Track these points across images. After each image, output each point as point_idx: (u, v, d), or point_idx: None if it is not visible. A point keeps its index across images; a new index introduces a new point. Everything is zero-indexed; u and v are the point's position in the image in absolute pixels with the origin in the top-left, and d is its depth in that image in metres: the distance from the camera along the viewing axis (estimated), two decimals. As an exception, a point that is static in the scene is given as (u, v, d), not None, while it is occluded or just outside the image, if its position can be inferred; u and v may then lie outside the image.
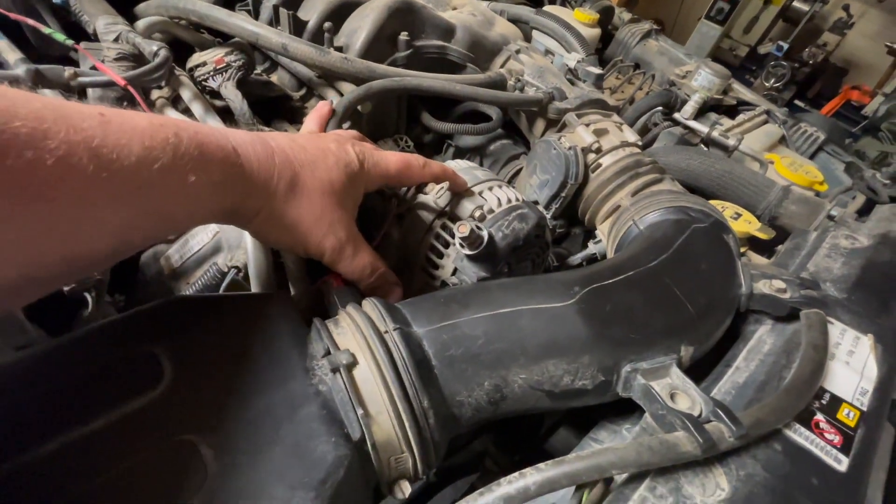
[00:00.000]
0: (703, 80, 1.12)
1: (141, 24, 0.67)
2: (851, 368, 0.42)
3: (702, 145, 0.97)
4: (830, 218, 0.75)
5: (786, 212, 0.79)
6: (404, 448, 0.32)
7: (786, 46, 3.06)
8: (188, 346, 0.31)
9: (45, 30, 0.54)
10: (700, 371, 0.46)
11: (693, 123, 0.95)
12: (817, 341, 0.41)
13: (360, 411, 0.30)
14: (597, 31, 1.25)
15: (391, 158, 0.45)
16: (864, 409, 0.39)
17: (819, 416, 0.37)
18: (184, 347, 0.30)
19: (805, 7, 3.11)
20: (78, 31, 0.67)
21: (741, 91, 1.22)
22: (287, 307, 0.35)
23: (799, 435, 0.36)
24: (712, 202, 0.73)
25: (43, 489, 0.24)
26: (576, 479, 0.31)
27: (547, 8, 1.18)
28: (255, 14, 0.83)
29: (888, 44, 3.23)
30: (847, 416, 0.38)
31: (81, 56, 0.58)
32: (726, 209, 0.76)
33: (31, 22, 0.55)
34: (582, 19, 1.18)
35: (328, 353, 0.32)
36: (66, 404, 0.27)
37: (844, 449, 0.36)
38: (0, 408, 0.26)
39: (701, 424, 0.32)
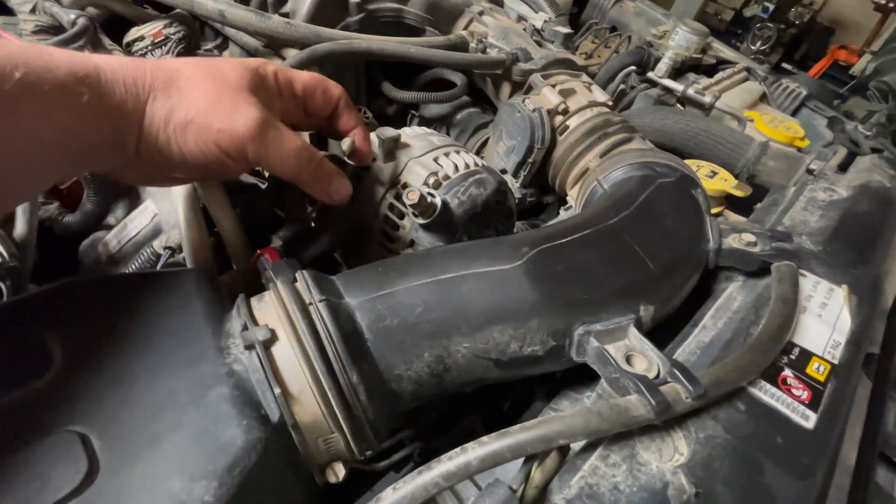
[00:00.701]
0: (680, 39, 1.08)
1: (68, -7, 0.62)
2: (823, 321, 0.40)
3: (678, 105, 0.93)
4: (810, 172, 0.72)
5: (764, 168, 0.76)
6: (333, 428, 0.29)
7: (771, 7, 2.99)
8: (82, 330, 0.28)
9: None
10: (669, 333, 0.43)
11: (668, 82, 0.91)
12: (787, 294, 0.39)
13: (277, 390, 0.27)
14: (570, -6, 1.20)
15: (302, 73, 0.40)
16: (836, 362, 0.36)
17: (787, 372, 0.35)
18: (77, 332, 0.27)
19: (790, -35, 3.03)
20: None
21: (721, 49, 1.17)
22: (202, 284, 0.32)
23: (764, 392, 0.33)
24: (688, 161, 0.70)
25: None
26: (520, 451, 0.28)
27: (516, -30, 1.13)
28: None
29: (875, 0, 3.17)
30: (817, 370, 0.35)
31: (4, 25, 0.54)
32: (702, 168, 0.73)
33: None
34: (553, -20, 1.12)
35: (245, 329, 0.29)
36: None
37: (812, 405, 0.33)
38: None
39: (655, 386, 0.29)
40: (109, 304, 0.29)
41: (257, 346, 0.28)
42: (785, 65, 3.12)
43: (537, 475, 0.31)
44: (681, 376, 0.30)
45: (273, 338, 0.29)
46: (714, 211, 0.71)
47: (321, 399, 0.29)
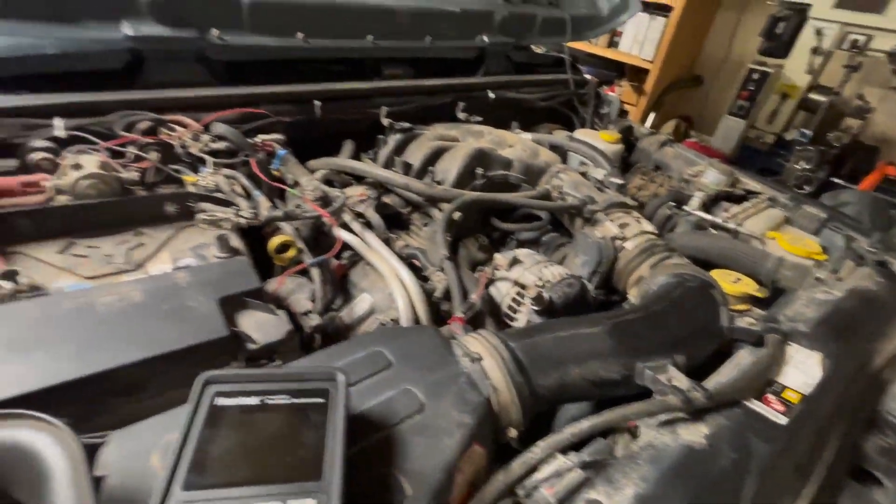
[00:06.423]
0: (710, 177, 1.40)
1: (318, 173, 1.08)
2: (801, 371, 0.64)
3: (711, 229, 1.22)
4: (818, 279, 0.96)
5: (782, 277, 1.01)
6: (514, 407, 0.58)
7: (809, 133, 3.29)
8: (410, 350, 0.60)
9: (289, 191, 0.95)
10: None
11: (699, 213, 1.22)
12: (773, 352, 0.64)
13: (488, 382, 0.57)
14: (620, 147, 1.60)
15: None
16: (805, 393, 0.60)
17: (769, 396, 0.59)
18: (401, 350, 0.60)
19: (821, 98, 3.38)
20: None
21: (747, 182, 1.48)
22: (437, 332, 0.64)
23: (753, 405, 0.58)
24: (720, 271, 0.97)
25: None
26: (613, 424, 0.55)
27: (578, 132, 1.56)
28: (375, 160, 1.23)
29: (917, 122, 3.36)
30: (791, 396, 0.59)
31: (290, 197, 0.98)
32: (730, 275, 0.99)
33: (275, 184, 0.95)
34: (607, 139, 1.53)
35: (466, 352, 0.60)
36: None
37: (787, 414, 0.57)
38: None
39: (684, 392, 0.56)
40: (412, 340, 0.62)
41: (477, 362, 0.59)
42: (835, 179, 3.32)
43: (621, 441, 0.57)
44: (698, 388, 0.56)
45: (481, 357, 0.60)
46: (742, 307, 0.95)
47: (510, 391, 0.58)
